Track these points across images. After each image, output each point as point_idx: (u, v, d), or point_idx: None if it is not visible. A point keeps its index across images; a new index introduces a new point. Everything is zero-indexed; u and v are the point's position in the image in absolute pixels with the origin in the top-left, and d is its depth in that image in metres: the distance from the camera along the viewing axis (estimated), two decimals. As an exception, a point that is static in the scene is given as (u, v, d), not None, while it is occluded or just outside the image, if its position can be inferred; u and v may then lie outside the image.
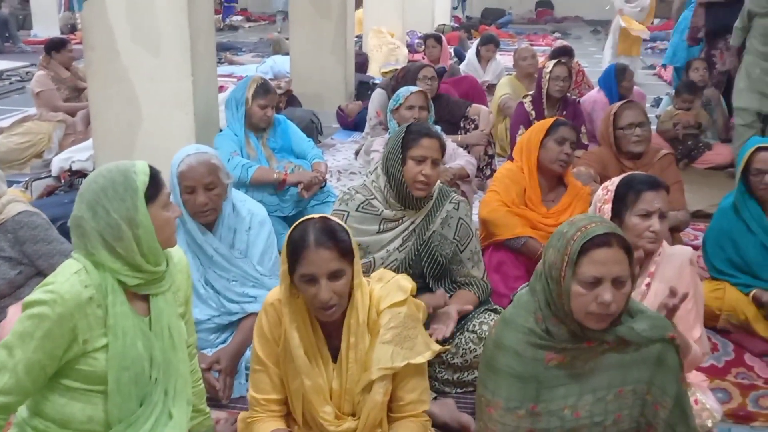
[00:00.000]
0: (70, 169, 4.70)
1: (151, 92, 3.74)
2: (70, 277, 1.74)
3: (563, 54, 6.18)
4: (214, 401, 2.49)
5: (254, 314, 2.51)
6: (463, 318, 2.60)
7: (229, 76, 8.78)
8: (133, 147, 3.74)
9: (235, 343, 2.65)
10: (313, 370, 1.98)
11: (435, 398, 2.49)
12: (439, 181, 2.74)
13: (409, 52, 9.92)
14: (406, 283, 2.07)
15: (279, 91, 5.13)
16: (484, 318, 2.60)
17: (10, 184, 4.17)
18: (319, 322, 2.00)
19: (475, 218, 3.24)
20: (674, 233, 3.35)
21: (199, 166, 2.60)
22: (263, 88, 3.74)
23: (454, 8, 16.54)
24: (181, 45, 3.76)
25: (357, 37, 9.71)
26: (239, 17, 18.38)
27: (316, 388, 1.98)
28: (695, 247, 3.11)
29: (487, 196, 3.28)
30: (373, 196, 2.66)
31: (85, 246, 1.78)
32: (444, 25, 12.94)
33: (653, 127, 4.22)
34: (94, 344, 1.76)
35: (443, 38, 7.95)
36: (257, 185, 3.62)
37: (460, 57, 9.06)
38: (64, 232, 2.66)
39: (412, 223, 2.64)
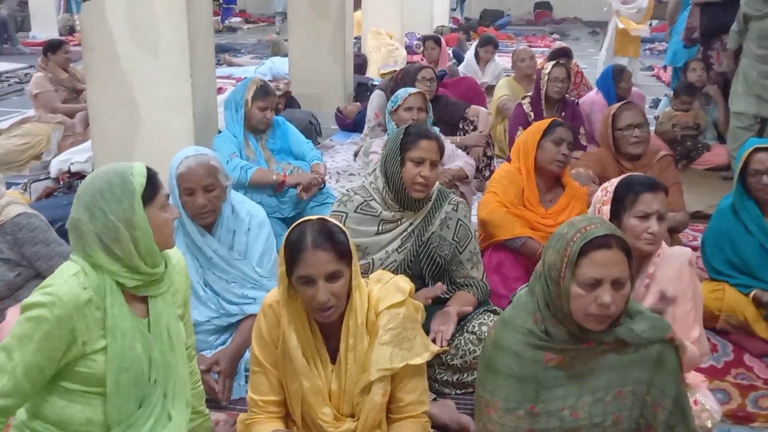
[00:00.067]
0: (68, 171, 4.70)
1: (150, 94, 3.74)
2: (68, 279, 1.74)
3: (562, 55, 6.18)
4: (213, 403, 2.48)
5: (253, 316, 2.52)
6: (463, 319, 2.60)
7: (228, 77, 8.78)
8: (132, 148, 3.74)
9: (235, 345, 2.65)
10: (312, 372, 1.98)
11: (435, 399, 2.50)
12: (437, 183, 2.74)
13: (408, 53, 9.93)
14: (405, 284, 2.07)
15: (278, 93, 5.12)
16: (484, 319, 2.60)
17: (8, 185, 4.17)
18: (317, 324, 2.00)
19: (474, 219, 3.24)
20: (673, 234, 3.35)
21: (198, 167, 2.60)
22: (263, 90, 3.74)
23: (453, 9, 16.56)
24: (180, 46, 3.76)
25: (356, 38, 9.71)
26: (238, 19, 18.38)
27: (315, 389, 1.98)
28: (694, 248, 3.11)
29: (485, 197, 3.28)
30: (371, 198, 2.66)
31: (83, 248, 1.78)
32: (443, 26, 12.96)
33: (652, 128, 4.23)
34: (92, 346, 1.76)
35: (442, 40, 7.96)
36: (256, 187, 3.62)
37: (459, 58, 9.06)
38: (63, 233, 2.65)
39: (411, 224, 2.64)
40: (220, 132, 4.09)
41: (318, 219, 1.95)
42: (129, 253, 1.77)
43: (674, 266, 2.30)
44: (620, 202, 2.29)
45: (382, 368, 1.97)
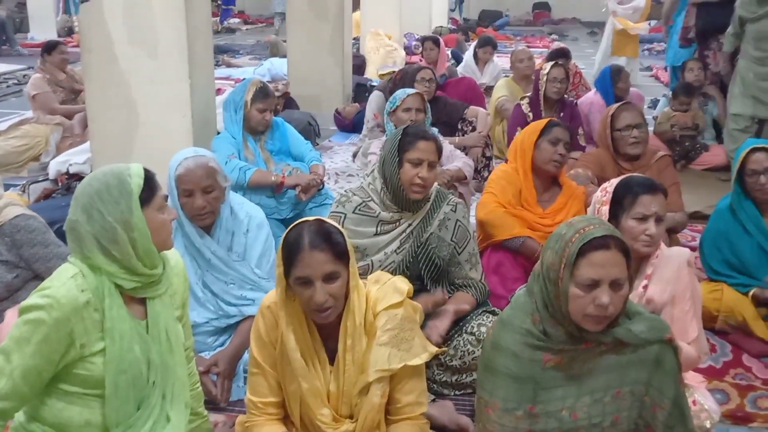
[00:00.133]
0: (67, 172, 4.69)
1: (149, 95, 3.74)
2: (66, 282, 1.74)
3: (560, 56, 6.18)
4: (212, 404, 2.48)
5: (252, 317, 2.50)
6: (461, 320, 2.60)
7: (227, 78, 8.77)
8: (131, 150, 3.74)
9: (233, 346, 2.65)
10: (310, 373, 1.98)
11: (433, 400, 2.50)
12: (436, 183, 2.74)
13: (407, 54, 9.94)
14: (403, 285, 2.07)
15: (276, 94, 5.12)
16: (482, 320, 2.60)
17: (7, 187, 4.16)
18: (315, 325, 1.99)
19: (472, 220, 3.24)
20: (672, 234, 3.35)
21: (197, 169, 2.59)
22: (262, 92, 3.74)
23: (452, 10, 16.59)
24: (179, 47, 3.76)
25: (354, 39, 9.71)
26: (236, 20, 18.38)
27: (314, 390, 1.98)
28: (693, 248, 3.12)
29: (483, 197, 3.29)
30: (370, 198, 2.66)
31: (81, 250, 1.78)
32: (441, 27, 12.98)
33: (650, 128, 4.23)
34: (91, 348, 1.76)
35: (441, 40, 7.96)
36: (255, 188, 3.62)
37: (458, 59, 9.07)
38: (62, 235, 2.64)
39: (410, 225, 2.64)
40: (218, 133, 4.09)
41: (315, 220, 1.95)
42: (127, 255, 1.77)
43: (673, 267, 2.31)
44: (619, 203, 2.29)
45: (381, 369, 1.97)
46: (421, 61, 7.75)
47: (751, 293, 3.01)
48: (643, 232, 2.25)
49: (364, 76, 8.51)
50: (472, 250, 2.73)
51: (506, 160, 3.46)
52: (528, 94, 5.01)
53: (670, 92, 6.01)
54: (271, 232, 2.86)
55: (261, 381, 2.04)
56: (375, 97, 5.22)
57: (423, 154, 2.57)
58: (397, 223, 2.64)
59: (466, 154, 4.28)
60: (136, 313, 1.85)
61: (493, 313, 2.65)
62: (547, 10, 19.71)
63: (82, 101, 5.57)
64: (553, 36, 15.49)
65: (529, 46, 11.78)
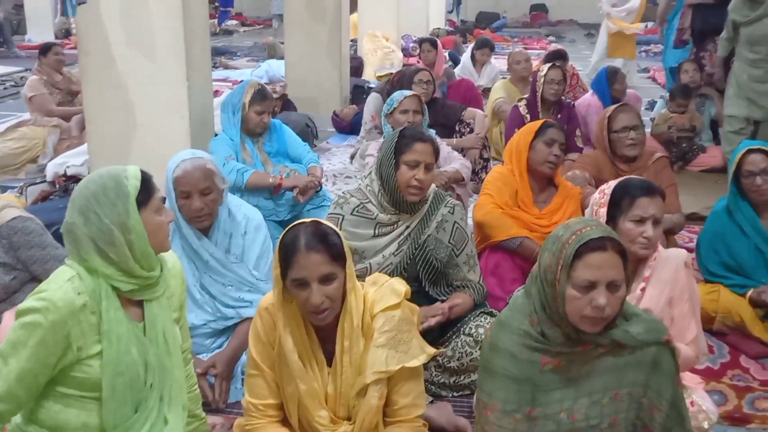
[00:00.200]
0: (65, 174, 4.68)
1: (146, 97, 3.74)
2: (63, 284, 1.74)
3: (557, 57, 6.20)
4: (209, 406, 2.48)
5: (250, 319, 2.49)
6: (459, 321, 2.60)
7: (225, 80, 8.77)
8: (129, 152, 3.73)
9: (231, 348, 2.64)
10: (308, 375, 1.97)
11: (431, 402, 2.50)
12: (434, 185, 2.74)
13: (404, 56, 9.95)
14: (400, 286, 2.07)
15: (274, 95, 5.13)
16: (480, 321, 2.60)
17: (4, 189, 4.17)
18: (313, 326, 1.99)
19: (470, 222, 3.25)
20: (669, 236, 3.35)
21: (195, 171, 2.59)
22: (260, 94, 3.74)
23: (449, 12, 16.61)
24: (176, 49, 3.76)
25: (352, 41, 9.72)
26: (234, 21, 18.37)
27: (311, 392, 1.98)
28: (690, 250, 3.12)
29: (480, 199, 3.29)
30: (367, 200, 2.65)
31: (78, 252, 1.77)
32: (439, 29, 12.99)
33: (647, 130, 4.24)
34: (88, 351, 1.76)
35: (438, 42, 7.97)
36: (253, 190, 3.62)
37: (455, 61, 9.08)
38: (59, 237, 2.64)
39: (407, 227, 2.64)
40: (216, 135, 4.09)
41: (312, 221, 1.95)
42: (124, 257, 1.77)
43: (671, 268, 2.31)
44: (617, 205, 2.29)
45: (378, 371, 1.96)
46: (418, 63, 7.75)
47: (747, 295, 3.01)
48: (640, 234, 2.25)
49: (362, 78, 8.51)
50: (470, 251, 2.73)
51: (503, 162, 3.47)
52: (525, 96, 5.02)
53: (667, 94, 6.02)
54: (269, 234, 2.86)
55: (260, 382, 2.03)
56: (372, 98, 5.23)
57: (420, 156, 2.57)
58: (395, 225, 2.64)
59: (464, 156, 4.29)
60: (133, 315, 1.84)
61: (491, 314, 2.65)
62: (544, 12, 19.73)
63: (79, 103, 5.57)
64: (551, 38, 15.51)
65: (526, 48, 11.75)
